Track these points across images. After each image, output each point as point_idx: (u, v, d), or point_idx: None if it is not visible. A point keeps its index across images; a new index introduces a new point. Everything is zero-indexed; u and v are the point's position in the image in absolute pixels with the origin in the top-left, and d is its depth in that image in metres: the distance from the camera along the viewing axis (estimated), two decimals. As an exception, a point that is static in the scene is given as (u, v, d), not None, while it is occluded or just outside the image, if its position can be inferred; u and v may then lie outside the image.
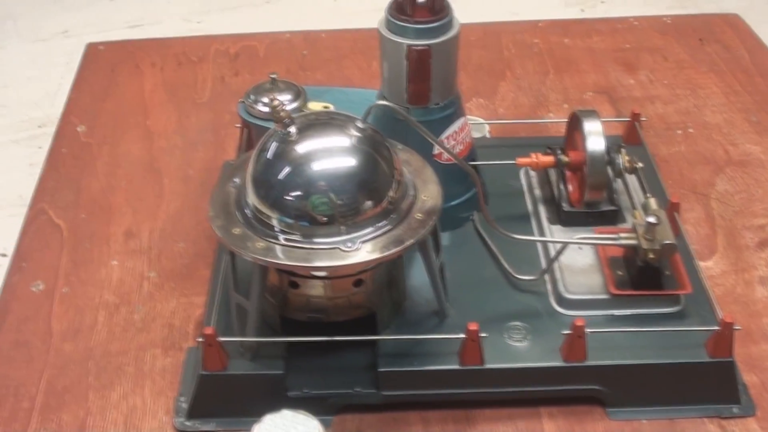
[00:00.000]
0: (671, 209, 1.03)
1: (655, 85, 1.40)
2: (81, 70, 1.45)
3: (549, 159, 1.06)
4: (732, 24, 1.54)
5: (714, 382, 0.93)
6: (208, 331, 0.87)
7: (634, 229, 0.95)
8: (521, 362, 0.92)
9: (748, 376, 0.95)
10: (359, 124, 0.86)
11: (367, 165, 0.86)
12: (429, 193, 0.90)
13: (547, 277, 0.99)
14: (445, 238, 1.00)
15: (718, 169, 1.24)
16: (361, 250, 0.84)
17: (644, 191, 1.04)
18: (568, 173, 1.07)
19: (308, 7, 2.27)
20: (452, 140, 1.02)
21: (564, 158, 1.05)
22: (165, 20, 2.20)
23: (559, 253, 0.96)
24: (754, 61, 1.46)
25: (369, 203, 0.85)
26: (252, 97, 1.08)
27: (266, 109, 1.06)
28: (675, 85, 1.40)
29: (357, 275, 0.89)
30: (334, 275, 0.88)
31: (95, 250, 1.12)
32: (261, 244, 0.84)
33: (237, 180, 0.91)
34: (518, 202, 1.10)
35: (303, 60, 1.46)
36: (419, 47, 0.95)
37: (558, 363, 0.91)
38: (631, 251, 0.96)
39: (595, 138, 1.01)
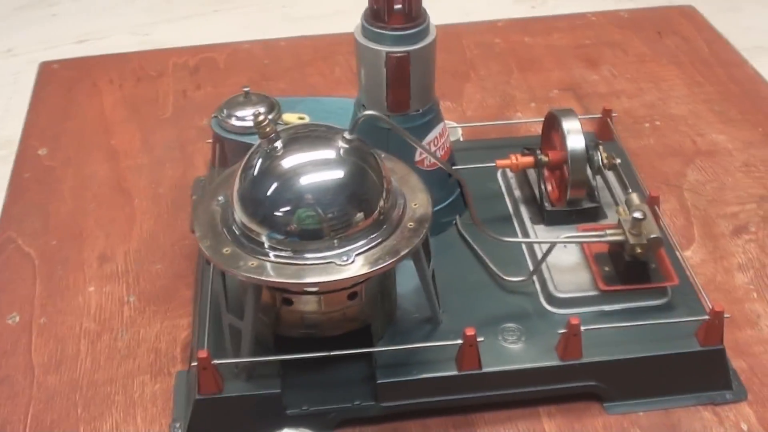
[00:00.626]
0: (651, 203, 1.04)
1: (618, 80, 1.42)
2: (36, 91, 1.43)
3: (528, 159, 1.07)
4: (688, 16, 1.56)
5: (706, 371, 0.94)
6: (202, 354, 0.86)
7: (619, 225, 0.97)
8: (518, 364, 0.92)
9: (737, 362, 0.97)
10: (346, 136, 0.86)
11: (357, 177, 0.86)
12: (418, 201, 0.90)
13: (535, 277, 1.00)
14: (429, 243, 1.01)
15: (688, 159, 1.27)
16: (356, 263, 0.84)
17: (625, 187, 1.06)
18: (546, 172, 1.08)
19: (257, 14, 2.26)
20: (433, 146, 1.02)
21: (543, 158, 1.06)
22: (112, 34, 2.16)
23: (548, 252, 0.97)
24: (712, 51, 1.49)
25: (361, 215, 0.85)
26: (225, 111, 1.07)
27: (241, 123, 1.06)
28: (638, 79, 1.42)
29: (351, 288, 0.89)
30: (330, 290, 0.87)
31: (70, 276, 1.10)
32: (253, 262, 0.84)
33: (222, 198, 0.90)
34: (498, 204, 1.10)
35: (265, 69, 1.46)
36: (398, 54, 0.95)
37: (554, 362, 0.92)
38: (617, 247, 0.97)
39: (575, 136, 1.02)
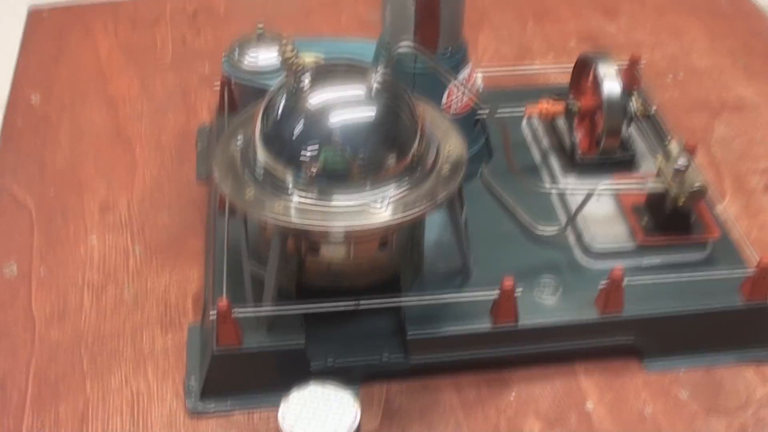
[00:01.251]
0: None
1: (637, 32, 1.38)
2: (26, 38, 1.36)
3: (559, 107, 1.02)
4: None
5: (750, 327, 0.91)
6: (222, 304, 0.81)
7: (659, 175, 0.92)
8: (555, 318, 0.88)
9: (779, 320, 0.93)
10: (378, 73, 0.81)
11: (390, 115, 0.81)
12: (452, 144, 0.85)
13: (569, 229, 0.95)
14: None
15: (715, 114, 1.22)
16: (390, 208, 0.78)
17: (662, 136, 1.01)
18: (575, 121, 1.04)
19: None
20: (459, 90, 0.97)
21: (575, 105, 1.01)
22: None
23: (585, 201, 0.92)
24: (731, 4, 1.45)
25: (394, 157, 0.80)
26: (237, 51, 1.01)
27: (254, 65, 1.00)
28: (657, 30, 1.38)
29: (383, 236, 0.83)
30: (360, 237, 0.82)
31: (70, 226, 1.04)
32: (279, 206, 0.79)
33: (241, 139, 0.85)
34: (525, 153, 1.06)
35: (267, 16, 1.39)
36: (429, -14, 0.89)
37: (593, 316, 0.88)
38: (656, 197, 0.93)
39: (610, 81, 0.98)
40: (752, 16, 1.42)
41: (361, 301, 0.84)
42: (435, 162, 0.83)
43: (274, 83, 0.87)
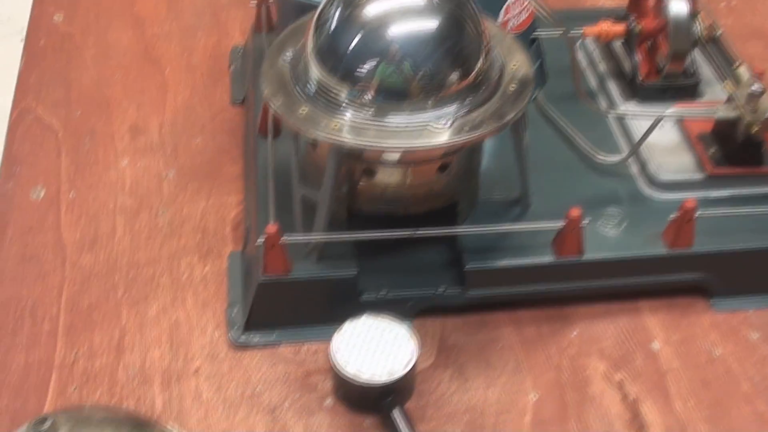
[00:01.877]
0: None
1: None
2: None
3: (619, 28, 0.95)
4: None
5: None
6: (271, 230, 0.75)
7: (731, 100, 0.86)
8: (620, 252, 0.82)
9: None
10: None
11: (454, 28, 0.74)
12: (517, 61, 0.79)
13: (632, 158, 0.89)
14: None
15: (771, 42, 1.16)
16: (454, 127, 0.72)
17: (728, 61, 0.95)
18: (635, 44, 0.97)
19: None
20: (518, 6, 0.90)
21: (637, 26, 0.94)
22: None
23: (652, 128, 0.85)
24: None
25: (459, 73, 0.73)
26: (279, -37, 0.94)
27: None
28: (710, -45, 1.30)
29: (444, 159, 0.77)
30: (421, 159, 0.76)
31: (99, 150, 0.98)
32: (336, 123, 0.72)
33: (290, 54, 0.78)
34: (581, 78, 0.99)
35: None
36: None
37: (660, 251, 0.82)
38: (725, 126, 0.87)
39: (678, 1, 0.91)
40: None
41: (418, 230, 0.77)
42: (500, 80, 0.77)
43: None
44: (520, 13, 0.91)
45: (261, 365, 0.78)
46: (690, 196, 0.83)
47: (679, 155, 0.89)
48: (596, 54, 1.01)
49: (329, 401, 0.76)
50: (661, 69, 0.93)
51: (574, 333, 0.81)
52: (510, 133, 0.79)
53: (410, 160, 0.76)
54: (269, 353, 0.79)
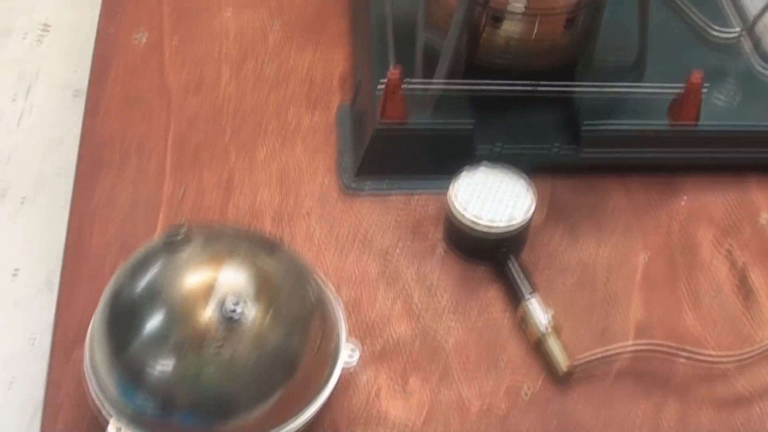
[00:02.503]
0: None
1: None
2: None
3: None
4: None
5: None
6: (394, 73, 0.74)
7: None
8: (735, 122, 0.81)
9: None
10: None
11: None
12: None
13: (746, 33, 0.87)
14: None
15: None
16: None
17: None
18: None
19: None
20: None
21: None
22: None
23: (770, 5, 0.84)
24: None
25: None
26: None
27: None
28: None
29: (571, 13, 0.76)
30: (550, 10, 0.75)
31: (200, -1, 0.96)
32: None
33: None
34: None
35: None
36: None
37: (775, 125, 0.81)
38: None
39: None
40: None
41: (539, 85, 0.76)
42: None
43: None
44: None
45: (372, 211, 0.78)
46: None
47: (793, 34, 0.87)
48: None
49: (441, 249, 0.76)
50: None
51: (683, 201, 0.81)
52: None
53: (538, 9, 0.75)
54: (380, 200, 0.79)
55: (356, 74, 0.86)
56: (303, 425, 0.61)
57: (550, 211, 0.79)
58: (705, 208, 0.80)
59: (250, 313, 0.58)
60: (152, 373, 0.58)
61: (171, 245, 0.60)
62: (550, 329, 0.69)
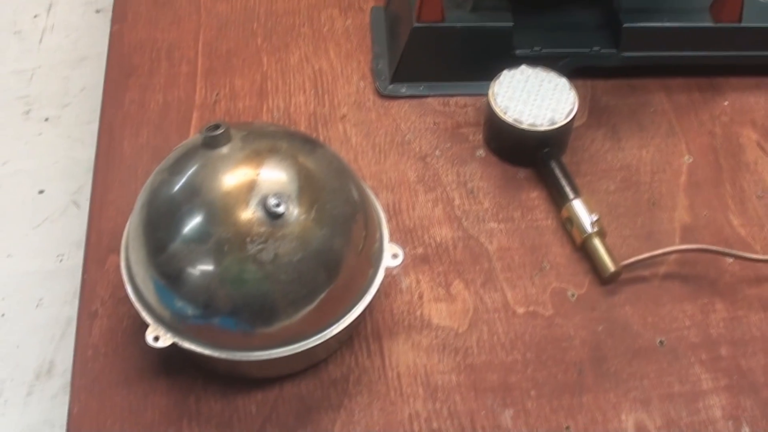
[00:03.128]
0: None
1: None
2: None
3: None
4: None
5: None
6: (430, -32, 0.69)
7: None
8: (778, 22, 0.76)
9: None
10: None
11: None
12: None
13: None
14: None
15: None
16: None
17: None
18: None
19: None
20: None
21: None
22: None
23: None
24: None
25: None
26: None
27: None
28: None
29: None
30: None
31: None
32: None
33: None
34: None
35: None
36: None
37: (823, 26, 0.76)
38: None
39: None
40: None
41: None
42: None
43: None
44: None
45: (409, 115, 0.74)
46: None
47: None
48: None
49: (481, 152, 0.72)
50: None
51: (726, 102, 0.76)
52: None
53: None
54: (417, 104, 0.74)
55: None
56: (345, 330, 0.58)
57: (590, 114, 0.75)
58: (748, 110, 0.76)
59: (293, 211, 0.54)
60: (192, 274, 0.54)
61: (210, 142, 0.56)
62: (596, 229, 0.65)
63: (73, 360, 0.60)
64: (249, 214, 0.54)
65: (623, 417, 0.60)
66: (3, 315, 0.97)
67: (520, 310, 0.64)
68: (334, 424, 0.58)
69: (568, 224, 0.67)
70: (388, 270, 0.60)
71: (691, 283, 0.66)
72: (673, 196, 0.70)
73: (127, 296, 0.57)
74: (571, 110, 0.69)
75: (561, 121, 0.68)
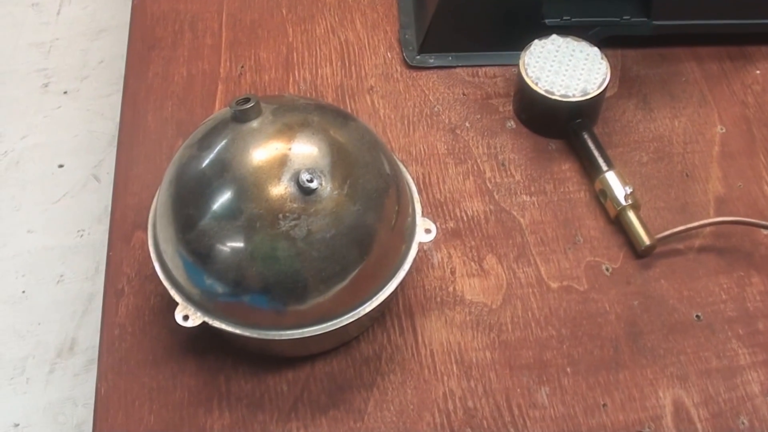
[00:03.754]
0: None
1: None
2: None
3: None
4: None
5: None
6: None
7: None
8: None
9: None
10: None
11: None
12: None
13: None
14: None
15: None
16: None
17: None
18: None
19: None
20: None
21: None
22: None
23: None
24: None
25: None
26: None
27: None
28: None
29: None
30: None
31: None
32: None
33: None
34: None
35: None
36: None
37: None
38: None
39: None
40: None
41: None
42: None
43: None
44: None
45: (438, 86, 0.70)
46: None
47: None
48: None
49: (511, 123, 0.69)
50: None
51: (758, 71, 0.73)
52: None
53: None
54: (445, 75, 0.71)
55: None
56: (378, 307, 0.55)
57: (622, 84, 0.71)
58: (781, 78, 0.73)
59: (326, 186, 0.51)
60: (222, 252, 0.51)
61: (240, 116, 0.53)
62: (630, 201, 0.62)
63: (100, 339, 0.57)
64: (281, 189, 0.51)
65: (661, 394, 0.57)
66: (24, 292, 0.94)
67: (554, 285, 0.61)
68: (367, 403, 0.56)
69: (601, 197, 0.64)
70: (420, 245, 0.57)
71: (726, 256, 0.63)
72: (707, 167, 0.67)
73: (154, 274, 0.54)
74: (604, 80, 0.65)
75: (593, 91, 0.65)
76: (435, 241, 0.61)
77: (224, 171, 0.52)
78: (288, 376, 0.56)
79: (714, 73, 0.72)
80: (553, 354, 0.58)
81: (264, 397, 0.56)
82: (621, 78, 0.71)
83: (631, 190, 0.62)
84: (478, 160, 0.66)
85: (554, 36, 0.67)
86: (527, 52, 0.66)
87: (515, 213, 0.64)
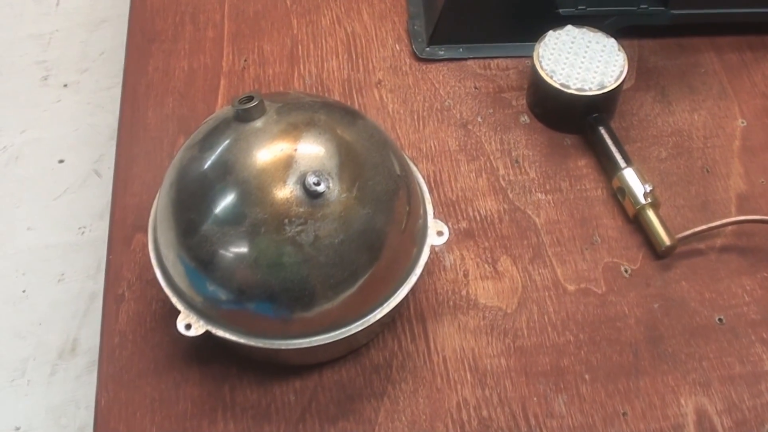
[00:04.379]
0: None
1: None
2: None
3: None
4: None
5: None
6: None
7: None
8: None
9: None
10: None
11: None
12: None
13: None
14: None
15: None
16: None
17: None
18: None
19: None
20: None
21: None
22: None
23: None
24: None
25: None
26: None
27: None
28: None
29: None
30: None
31: None
32: None
33: None
34: None
35: None
36: None
37: None
38: None
39: None
40: None
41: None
42: None
43: None
44: None
45: (448, 79, 0.67)
46: None
47: None
48: None
49: (525, 118, 0.65)
50: None
51: (780, 62, 0.70)
52: None
53: None
54: (456, 68, 0.68)
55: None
56: (389, 314, 0.52)
57: (638, 76, 0.68)
58: (805, 68, 0.69)
59: (334, 189, 0.48)
60: (226, 258, 0.48)
61: (243, 115, 0.50)
62: (650, 200, 0.59)
63: (100, 348, 0.55)
64: (287, 193, 0.48)
65: (683, 401, 0.54)
66: (24, 291, 0.91)
67: (571, 288, 0.58)
68: (378, 413, 0.53)
69: (619, 195, 0.60)
70: (432, 248, 0.54)
71: (749, 256, 0.60)
72: (728, 163, 0.64)
73: (155, 278, 0.51)
74: (621, 73, 0.62)
75: (610, 84, 0.61)
76: (447, 243, 0.58)
77: (227, 173, 0.49)
78: (295, 385, 0.53)
79: (734, 64, 0.69)
80: (570, 360, 0.55)
81: (270, 408, 0.53)
82: (638, 70, 0.68)
83: (651, 188, 0.59)
84: (491, 157, 0.63)
85: (569, 26, 0.64)
86: (541, 43, 0.63)
87: (530, 212, 0.61)
